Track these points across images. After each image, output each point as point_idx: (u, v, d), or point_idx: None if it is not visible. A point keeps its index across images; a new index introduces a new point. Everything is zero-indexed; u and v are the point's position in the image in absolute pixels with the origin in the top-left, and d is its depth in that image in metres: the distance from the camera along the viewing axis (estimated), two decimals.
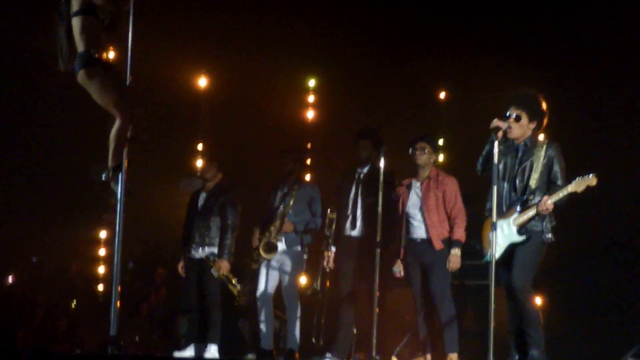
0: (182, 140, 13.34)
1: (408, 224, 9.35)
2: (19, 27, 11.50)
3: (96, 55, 7.13)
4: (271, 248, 10.06)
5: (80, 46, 7.17)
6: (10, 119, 12.41)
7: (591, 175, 7.56)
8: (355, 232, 9.76)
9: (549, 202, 7.62)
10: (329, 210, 9.97)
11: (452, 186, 9.35)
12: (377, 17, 12.04)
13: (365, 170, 9.87)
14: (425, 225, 9.24)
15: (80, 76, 7.18)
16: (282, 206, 10.17)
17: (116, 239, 7.28)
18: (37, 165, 12.72)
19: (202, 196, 10.37)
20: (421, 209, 9.28)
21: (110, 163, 7.26)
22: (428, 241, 9.22)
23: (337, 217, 9.87)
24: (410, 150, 9.40)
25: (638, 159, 11.06)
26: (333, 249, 9.86)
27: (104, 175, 7.28)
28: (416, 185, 9.40)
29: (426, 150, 9.35)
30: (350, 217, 9.79)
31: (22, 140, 12.60)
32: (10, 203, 12.71)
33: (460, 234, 9.19)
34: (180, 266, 10.32)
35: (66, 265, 13.55)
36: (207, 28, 12.36)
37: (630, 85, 11.11)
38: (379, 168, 9.07)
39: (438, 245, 9.20)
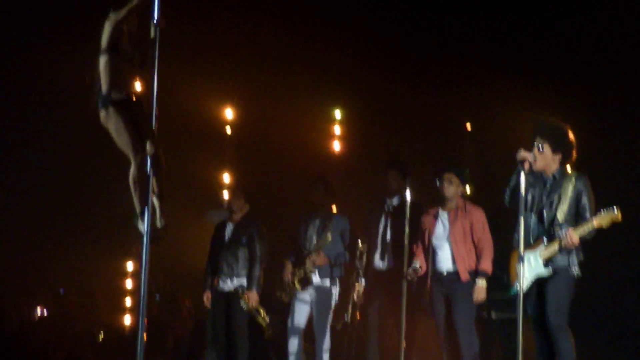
0: (208, 171, 13.37)
1: (434, 254, 9.30)
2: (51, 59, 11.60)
3: (117, 97, 7.17)
4: (307, 281, 10.05)
5: (103, 86, 7.22)
6: (43, 154, 12.47)
7: (615, 209, 7.51)
8: (384, 265, 9.73)
9: (575, 236, 7.58)
10: (359, 242, 9.91)
11: (480, 217, 9.27)
12: (402, 48, 12.04)
13: (395, 201, 9.85)
14: (453, 256, 9.17)
15: (101, 117, 7.23)
16: (314, 238, 10.15)
17: (142, 271, 7.27)
18: (65, 197, 12.75)
19: (229, 227, 10.35)
20: (448, 240, 9.22)
21: (138, 209, 7.26)
22: (455, 273, 9.14)
23: (367, 249, 9.84)
24: (437, 182, 9.36)
25: None
26: (363, 281, 9.82)
27: (139, 226, 7.27)
28: (443, 215, 9.33)
29: (453, 182, 9.30)
30: (379, 250, 9.76)
31: (52, 172, 12.64)
32: (37, 233, 12.74)
33: (487, 265, 9.10)
34: (206, 297, 10.31)
35: (93, 297, 13.56)
36: (233, 59, 12.41)
37: None
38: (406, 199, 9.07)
39: (465, 276, 9.11)
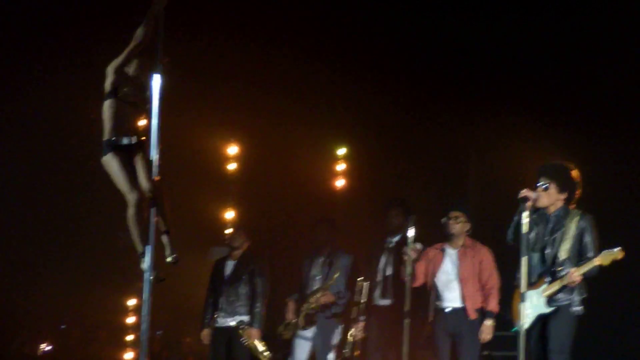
0: (212, 208, 13.37)
1: (438, 291, 9.29)
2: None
3: (118, 141, 7.21)
4: (312, 320, 10.05)
5: (105, 132, 7.26)
6: (47, 189, 12.49)
7: (617, 249, 7.54)
8: (385, 302, 9.74)
9: (577, 274, 7.58)
10: (360, 278, 9.91)
11: (488, 256, 9.31)
12: (406, 86, 12.07)
13: (396, 239, 9.87)
14: (462, 294, 9.18)
15: (102, 160, 7.27)
16: (319, 276, 10.18)
17: (144, 308, 7.26)
18: (68, 232, 12.76)
19: (230, 264, 10.37)
20: (457, 277, 9.23)
21: (139, 249, 7.27)
22: (462, 310, 9.15)
23: (368, 286, 9.84)
24: (443, 219, 9.37)
25: None
26: (362, 319, 9.82)
27: (144, 266, 7.27)
28: (451, 252, 9.34)
29: (460, 219, 9.33)
30: (380, 286, 9.77)
31: (55, 207, 12.65)
32: (40, 268, 12.74)
33: (494, 305, 9.11)
34: (204, 334, 10.30)
35: (95, 332, 13.53)
36: (237, 96, 12.45)
37: None
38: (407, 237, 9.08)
39: (472, 315, 9.13)
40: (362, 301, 9.80)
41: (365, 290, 9.80)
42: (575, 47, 11.18)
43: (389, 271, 9.80)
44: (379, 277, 9.80)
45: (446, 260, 9.34)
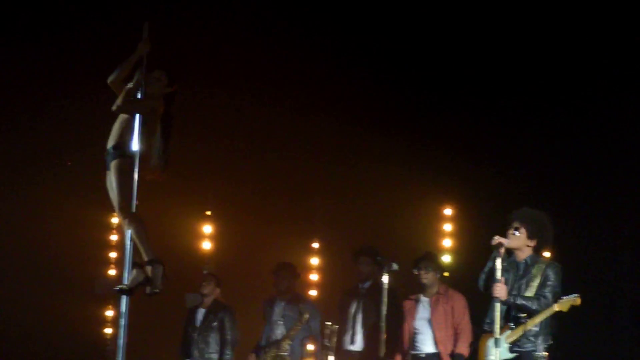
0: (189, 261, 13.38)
1: (413, 338, 9.41)
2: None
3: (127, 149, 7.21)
4: None
5: (110, 141, 7.31)
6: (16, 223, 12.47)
7: (575, 295, 7.67)
8: (354, 347, 9.82)
9: (536, 321, 7.64)
10: (329, 323, 9.98)
11: (460, 302, 9.51)
12: (378, 134, 12.15)
13: (367, 285, 9.96)
14: (435, 339, 9.33)
15: (112, 166, 7.25)
16: (282, 321, 10.27)
17: (119, 353, 7.25)
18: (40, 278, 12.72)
19: (201, 312, 10.46)
20: (430, 323, 9.39)
21: (146, 258, 7.18)
22: (436, 356, 9.33)
23: (338, 331, 9.90)
24: (415, 270, 9.53)
25: None
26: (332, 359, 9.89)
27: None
28: (424, 301, 9.55)
29: (430, 269, 9.46)
30: (350, 332, 9.85)
31: (26, 239, 12.59)
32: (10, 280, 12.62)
33: (464, 348, 9.29)
34: None
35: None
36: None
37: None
38: (381, 283, 9.13)
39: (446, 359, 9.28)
40: (330, 343, 9.88)
41: (334, 335, 9.89)
42: (548, 97, 11.38)
43: (358, 317, 9.89)
44: (349, 323, 9.88)
45: (419, 308, 9.54)
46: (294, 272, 10.64)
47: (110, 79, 7.33)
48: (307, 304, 10.49)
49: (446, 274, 10.48)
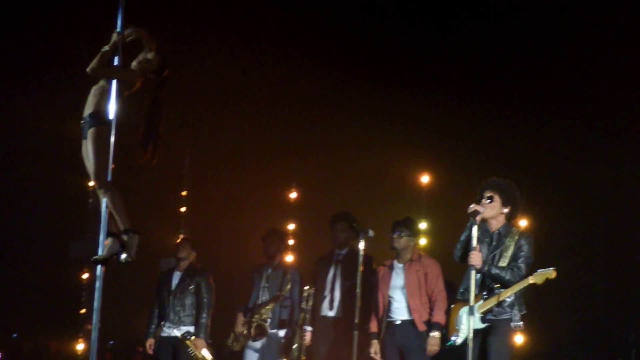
0: (165, 224, 13.39)
1: (388, 305, 9.40)
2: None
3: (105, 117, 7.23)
4: (263, 331, 10.15)
5: (87, 109, 7.32)
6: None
7: (551, 269, 7.69)
8: (332, 313, 9.83)
9: (509, 292, 7.68)
10: (307, 287, 10.04)
11: (434, 268, 9.43)
12: (357, 101, 12.17)
13: (344, 252, 9.98)
14: (408, 306, 9.29)
15: (90, 133, 7.25)
16: (268, 287, 10.28)
17: (94, 316, 7.28)
18: (16, 244, 12.72)
19: (176, 275, 10.45)
20: (403, 290, 9.34)
21: (121, 226, 7.25)
22: (410, 322, 9.25)
23: (314, 297, 9.94)
24: (390, 235, 9.50)
25: (620, 250, 11.19)
26: (309, 328, 9.92)
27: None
28: (398, 266, 9.45)
29: (403, 234, 9.45)
30: (327, 298, 9.87)
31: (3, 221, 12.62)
32: None
33: (440, 316, 9.19)
34: (149, 344, 10.37)
35: (46, 344, 13.48)
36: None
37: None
38: (357, 250, 9.15)
39: (421, 327, 9.23)
40: (307, 307, 9.92)
41: (311, 299, 9.94)
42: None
43: (336, 283, 9.90)
44: (327, 289, 9.91)
45: (393, 275, 9.46)
46: (282, 239, 10.68)
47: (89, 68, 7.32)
48: (293, 272, 10.47)
49: (422, 243, 10.51)
